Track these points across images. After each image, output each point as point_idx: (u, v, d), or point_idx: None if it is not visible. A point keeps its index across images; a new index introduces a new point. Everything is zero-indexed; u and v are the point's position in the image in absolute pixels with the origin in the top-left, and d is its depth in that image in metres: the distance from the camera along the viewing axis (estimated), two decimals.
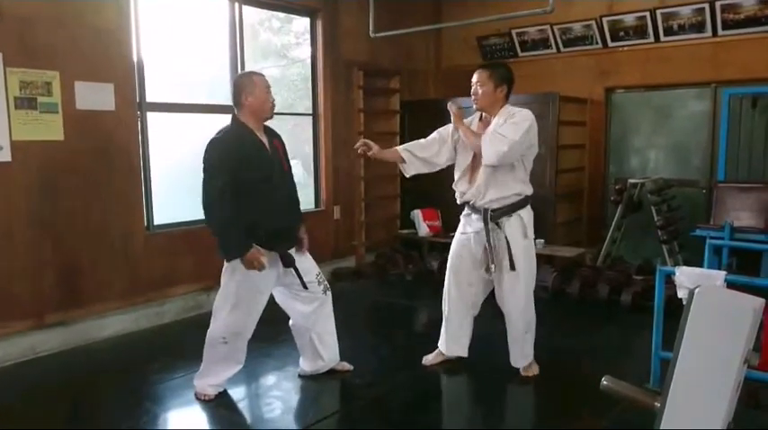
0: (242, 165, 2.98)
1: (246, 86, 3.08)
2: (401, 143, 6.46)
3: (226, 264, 3.16)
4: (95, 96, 4.13)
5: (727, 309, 1.14)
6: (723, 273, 2.98)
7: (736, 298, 1.17)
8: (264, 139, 3.14)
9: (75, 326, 4.12)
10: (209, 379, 3.29)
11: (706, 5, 5.16)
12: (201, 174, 3.04)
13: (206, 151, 3.03)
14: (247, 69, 5.15)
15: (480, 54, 6.65)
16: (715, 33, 5.26)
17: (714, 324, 1.14)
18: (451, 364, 3.67)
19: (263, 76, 3.18)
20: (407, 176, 3.68)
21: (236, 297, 3.14)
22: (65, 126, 3.98)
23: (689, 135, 5.72)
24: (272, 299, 3.36)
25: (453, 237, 3.65)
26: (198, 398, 3.28)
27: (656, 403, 1.25)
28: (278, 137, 3.25)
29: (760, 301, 1.16)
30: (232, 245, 3.03)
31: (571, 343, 4.14)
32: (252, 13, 5.34)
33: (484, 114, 3.44)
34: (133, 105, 4.38)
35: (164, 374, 3.62)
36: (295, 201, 3.34)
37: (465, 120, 3.47)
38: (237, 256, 3.02)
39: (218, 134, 3.09)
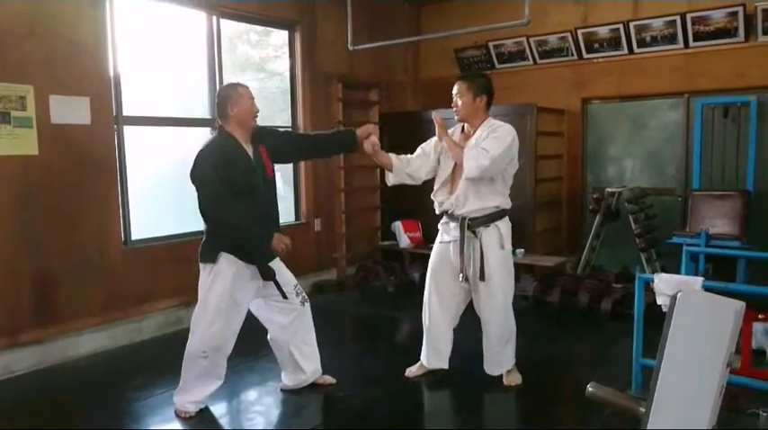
0: (228, 174, 2.97)
1: (232, 97, 3.08)
2: None
3: (203, 276, 3.13)
4: (71, 110, 4.07)
5: (709, 312, 1.16)
6: (700, 279, 3.02)
7: (717, 301, 1.18)
8: (250, 150, 3.14)
9: (51, 344, 4.03)
10: (190, 395, 3.23)
11: (677, 18, 5.27)
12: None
13: (195, 163, 3.02)
14: (226, 82, 5.14)
15: (458, 66, 6.71)
16: (687, 45, 5.38)
17: (697, 327, 1.15)
18: (434, 376, 3.66)
19: (248, 86, 3.18)
20: (389, 184, 3.68)
21: (217, 309, 3.11)
22: (39, 140, 3.91)
23: (664, 144, 5.83)
24: (251, 313, 3.33)
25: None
26: (178, 415, 3.22)
27: (641, 409, 1.25)
28: (265, 141, 3.23)
29: (740, 304, 1.18)
30: (261, 244, 3.10)
31: (552, 351, 4.16)
32: (230, 26, 5.32)
33: (466, 126, 3.47)
34: (110, 119, 4.33)
35: (143, 392, 3.56)
36: (275, 210, 3.33)
37: (448, 131, 3.48)
38: (273, 256, 3.12)
39: (205, 145, 3.08)
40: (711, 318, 1.15)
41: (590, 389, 1.39)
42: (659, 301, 3.04)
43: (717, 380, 1.12)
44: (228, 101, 3.08)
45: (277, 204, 3.37)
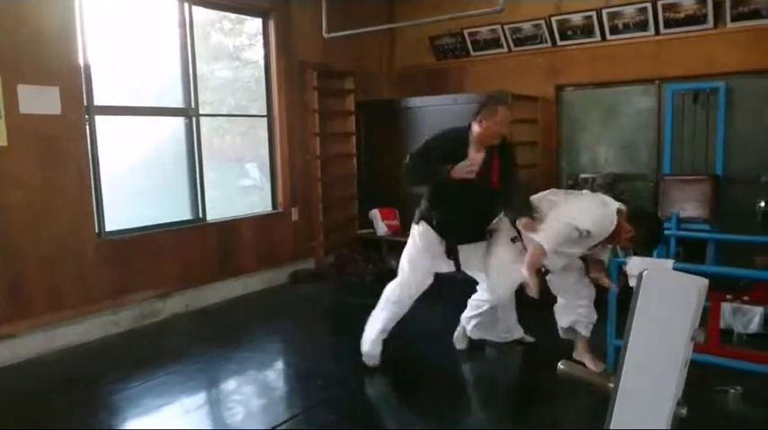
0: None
1: (488, 113, 3.27)
2: (357, 144, 6.54)
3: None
4: (40, 100, 3.99)
5: (673, 289, 1.19)
6: (671, 261, 3.09)
7: (681, 279, 1.22)
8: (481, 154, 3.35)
9: (25, 338, 3.97)
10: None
11: (648, 5, 5.34)
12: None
13: None
14: (199, 71, 5.09)
15: (433, 54, 6.72)
16: (657, 32, 5.45)
17: (662, 304, 1.18)
18: (413, 361, 3.69)
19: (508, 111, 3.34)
20: None
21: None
22: (8, 131, 3.83)
23: (636, 130, 5.91)
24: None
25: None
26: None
27: (609, 384, 1.29)
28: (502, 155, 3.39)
29: (704, 282, 1.22)
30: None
31: (531, 334, 4.22)
32: (202, 14, 5.25)
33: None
34: (80, 109, 4.25)
35: (120, 384, 3.53)
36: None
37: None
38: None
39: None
40: (676, 295, 1.18)
41: (561, 366, 1.42)
42: (631, 283, 3.10)
43: (681, 354, 1.16)
44: (483, 112, 3.25)
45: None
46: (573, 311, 3.47)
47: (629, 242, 3.18)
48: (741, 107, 5.26)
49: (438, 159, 3.25)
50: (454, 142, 3.31)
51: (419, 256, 3.49)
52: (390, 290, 3.60)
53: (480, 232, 3.48)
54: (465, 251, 3.46)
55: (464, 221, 3.39)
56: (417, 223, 3.48)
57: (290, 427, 3.01)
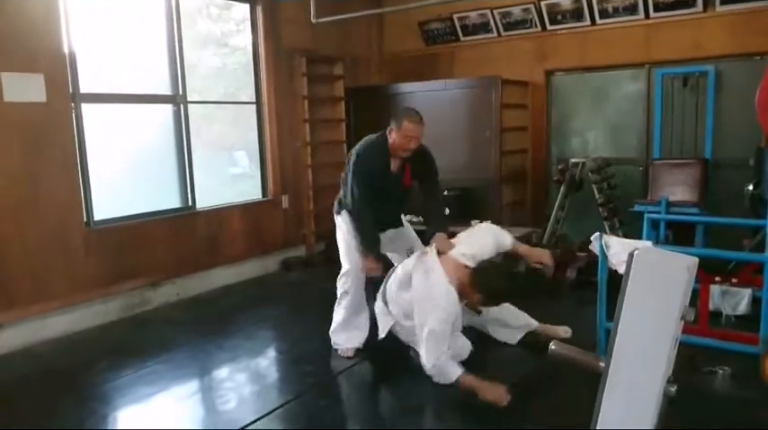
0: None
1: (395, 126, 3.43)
2: (347, 131, 6.51)
3: None
4: (24, 88, 3.93)
5: (664, 267, 1.19)
6: (649, 243, 3.12)
7: (672, 258, 1.22)
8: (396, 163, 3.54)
9: (12, 329, 3.94)
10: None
11: None
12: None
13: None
14: (186, 58, 5.03)
15: (422, 39, 6.68)
16: (647, 15, 5.44)
17: (652, 282, 1.18)
18: (403, 345, 3.69)
19: (420, 124, 3.41)
20: None
21: None
22: None
23: (626, 115, 5.91)
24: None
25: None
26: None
27: (600, 363, 1.29)
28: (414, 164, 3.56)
29: (693, 260, 1.22)
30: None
31: None
32: (189, 0, 5.18)
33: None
34: (66, 96, 4.19)
35: (109, 374, 3.51)
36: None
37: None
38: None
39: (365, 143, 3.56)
40: (666, 273, 1.18)
41: (552, 346, 1.43)
42: (613, 261, 3.13)
43: (672, 332, 1.16)
44: (393, 122, 3.40)
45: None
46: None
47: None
48: (730, 91, 5.28)
49: (368, 184, 3.43)
50: (378, 161, 3.46)
51: (352, 240, 3.60)
52: (341, 283, 3.69)
53: (393, 221, 3.78)
54: (383, 237, 3.67)
55: (379, 216, 3.57)
56: (339, 213, 3.68)
57: (283, 413, 3.01)
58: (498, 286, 3.41)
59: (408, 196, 3.74)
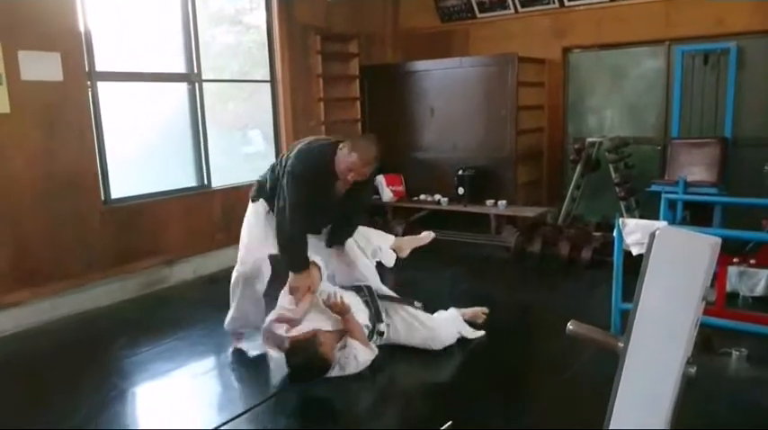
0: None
1: (344, 155, 3.13)
2: (362, 110, 6.47)
3: None
4: (41, 66, 3.95)
5: (685, 248, 1.18)
6: (664, 223, 3.10)
7: (694, 237, 1.20)
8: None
9: (30, 306, 3.99)
10: None
11: None
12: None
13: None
14: (200, 36, 5.01)
15: (438, 16, 6.60)
16: None
17: (674, 263, 1.17)
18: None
19: (368, 159, 3.11)
20: None
21: None
22: (10, 98, 3.80)
23: (644, 93, 5.82)
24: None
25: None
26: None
27: (619, 343, 1.28)
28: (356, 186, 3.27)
29: (716, 240, 1.20)
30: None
31: (533, 299, 4.24)
32: None
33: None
34: (82, 75, 4.21)
35: (129, 350, 3.56)
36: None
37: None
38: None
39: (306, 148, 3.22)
40: (688, 254, 1.17)
41: (570, 326, 1.42)
42: (627, 241, 3.13)
43: (693, 313, 1.15)
44: (348, 143, 3.09)
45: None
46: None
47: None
48: (752, 68, 5.17)
49: (310, 204, 3.14)
50: (321, 181, 3.14)
51: (261, 234, 3.38)
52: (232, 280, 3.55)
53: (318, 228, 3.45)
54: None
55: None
56: (255, 201, 3.38)
57: (299, 388, 3.04)
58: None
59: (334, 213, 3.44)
